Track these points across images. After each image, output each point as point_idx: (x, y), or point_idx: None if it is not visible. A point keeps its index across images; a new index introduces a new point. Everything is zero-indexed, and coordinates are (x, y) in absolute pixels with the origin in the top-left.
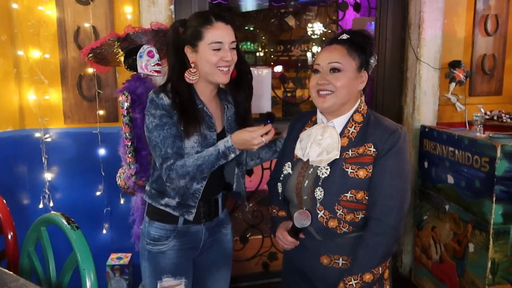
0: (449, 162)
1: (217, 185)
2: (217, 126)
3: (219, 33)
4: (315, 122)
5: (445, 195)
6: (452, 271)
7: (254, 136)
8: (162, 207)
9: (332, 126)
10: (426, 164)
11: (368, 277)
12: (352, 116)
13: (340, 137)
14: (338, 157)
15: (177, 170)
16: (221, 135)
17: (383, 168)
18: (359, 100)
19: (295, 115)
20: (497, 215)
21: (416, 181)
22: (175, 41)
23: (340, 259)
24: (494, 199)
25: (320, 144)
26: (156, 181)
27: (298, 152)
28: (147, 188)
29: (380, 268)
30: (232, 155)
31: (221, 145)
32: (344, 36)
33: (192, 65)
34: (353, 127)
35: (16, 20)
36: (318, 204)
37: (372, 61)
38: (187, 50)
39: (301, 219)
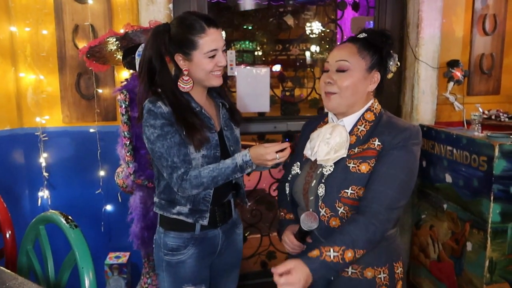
0: (447, 161)
1: (227, 187)
2: (216, 126)
3: (214, 40)
4: (327, 123)
5: (443, 194)
6: (450, 270)
7: (268, 152)
8: (175, 216)
9: (342, 125)
10: (424, 163)
11: (349, 255)
12: (363, 114)
13: (349, 136)
14: (345, 155)
15: (191, 180)
16: (220, 135)
17: (386, 157)
18: (371, 100)
19: (296, 116)
20: (495, 214)
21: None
22: (160, 49)
23: (350, 267)
24: (492, 198)
25: (328, 143)
26: (164, 191)
27: (307, 151)
28: (156, 199)
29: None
30: (249, 169)
31: (239, 158)
32: (362, 35)
33: (185, 72)
34: (363, 125)
35: (13, 18)
36: (320, 202)
37: (391, 63)
38: (178, 58)
39: (309, 221)
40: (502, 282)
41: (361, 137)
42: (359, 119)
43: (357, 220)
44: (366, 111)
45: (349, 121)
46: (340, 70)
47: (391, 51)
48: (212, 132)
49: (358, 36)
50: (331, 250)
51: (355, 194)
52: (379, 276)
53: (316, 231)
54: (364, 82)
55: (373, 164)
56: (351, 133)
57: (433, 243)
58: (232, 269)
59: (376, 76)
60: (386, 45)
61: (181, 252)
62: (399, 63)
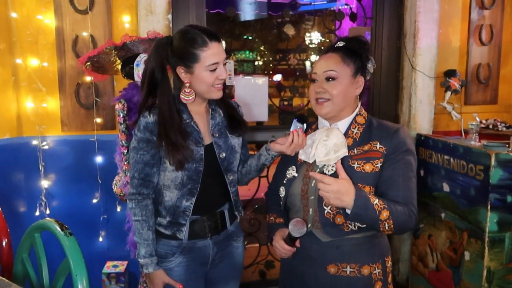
0: (444, 170)
1: (221, 197)
2: (206, 139)
3: (215, 54)
4: (315, 130)
5: (441, 203)
6: (448, 280)
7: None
8: (156, 226)
9: (337, 128)
10: (422, 172)
11: (384, 215)
12: (354, 118)
13: (345, 138)
14: (347, 154)
15: (133, 207)
16: (209, 147)
17: (396, 162)
18: (359, 104)
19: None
20: (492, 223)
21: None
22: (162, 61)
23: (348, 267)
24: (488, 207)
25: (326, 145)
26: None
27: (302, 156)
28: None
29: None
30: (144, 271)
31: (140, 258)
32: (340, 44)
33: (187, 84)
34: (356, 128)
35: (15, 29)
36: (324, 201)
37: (369, 65)
38: (180, 71)
39: (299, 228)
40: None
41: (357, 139)
42: (352, 122)
43: (400, 205)
44: (357, 115)
45: (343, 124)
46: (329, 80)
47: (368, 55)
48: (198, 145)
49: (337, 45)
50: (377, 200)
51: None
52: (374, 272)
53: (318, 232)
54: (351, 87)
55: (377, 165)
56: (346, 135)
57: (431, 252)
58: (228, 282)
59: (361, 81)
60: (364, 50)
61: (168, 259)
62: (375, 66)
